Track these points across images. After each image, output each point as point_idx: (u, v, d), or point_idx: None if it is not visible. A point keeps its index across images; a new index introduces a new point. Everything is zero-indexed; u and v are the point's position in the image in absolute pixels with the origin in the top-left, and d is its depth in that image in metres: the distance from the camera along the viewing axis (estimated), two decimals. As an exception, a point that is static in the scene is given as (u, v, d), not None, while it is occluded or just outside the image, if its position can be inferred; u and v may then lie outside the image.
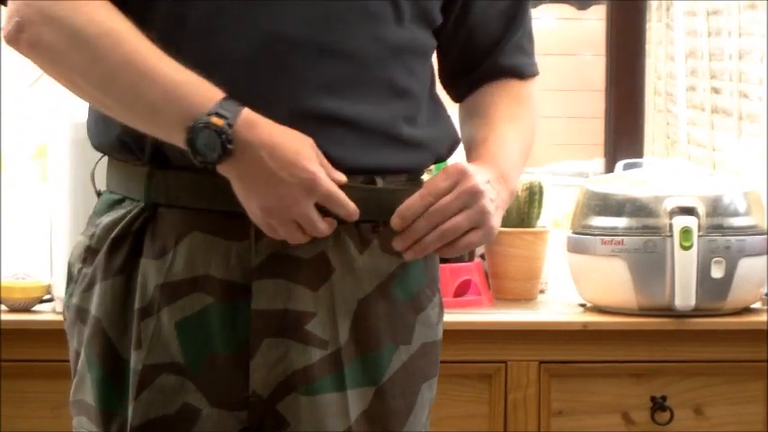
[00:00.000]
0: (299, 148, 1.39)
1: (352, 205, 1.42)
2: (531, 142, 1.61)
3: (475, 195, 1.44)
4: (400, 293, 1.51)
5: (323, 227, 1.41)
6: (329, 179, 1.40)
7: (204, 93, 1.37)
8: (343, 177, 1.42)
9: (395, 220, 1.45)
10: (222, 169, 1.39)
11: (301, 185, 1.38)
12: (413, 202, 1.44)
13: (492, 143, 1.55)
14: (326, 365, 1.46)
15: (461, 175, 1.45)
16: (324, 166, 1.40)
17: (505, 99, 1.61)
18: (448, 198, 1.44)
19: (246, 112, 1.38)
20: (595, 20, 3.37)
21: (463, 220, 1.44)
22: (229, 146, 1.36)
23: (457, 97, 1.66)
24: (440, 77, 1.66)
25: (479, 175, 1.45)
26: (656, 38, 3.26)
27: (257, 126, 1.38)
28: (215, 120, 1.36)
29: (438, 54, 1.63)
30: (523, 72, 1.63)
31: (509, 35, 1.62)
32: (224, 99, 1.37)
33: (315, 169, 1.38)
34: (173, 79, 1.37)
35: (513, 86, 1.62)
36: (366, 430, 1.48)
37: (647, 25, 3.24)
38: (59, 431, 2.33)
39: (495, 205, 1.46)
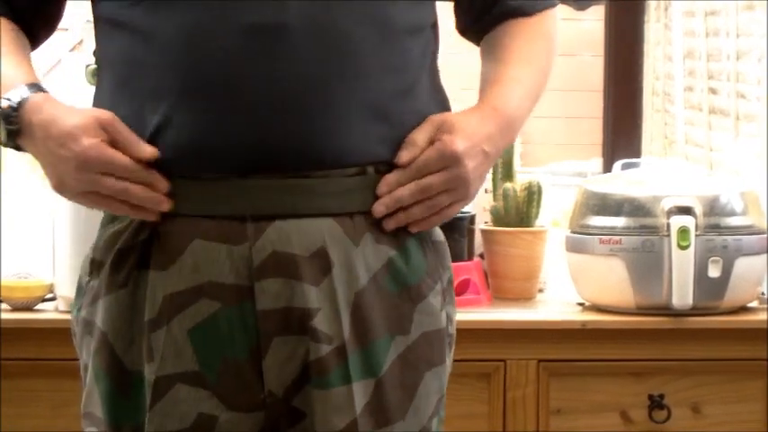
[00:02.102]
0: (78, 122, 1.44)
1: (143, 150, 1.45)
2: (544, 80, 1.65)
3: (464, 182, 1.51)
4: (392, 284, 1.52)
5: (136, 190, 1.45)
6: (107, 148, 1.44)
7: (8, 82, 1.47)
8: (150, 150, 1.45)
9: (381, 188, 1.49)
10: (27, 151, 1.49)
11: (76, 159, 1.43)
12: (401, 175, 1.49)
13: (500, 86, 1.59)
14: (334, 359, 1.48)
15: (454, 160, 1.50)
16: (121, 140, 1.44)
17: (517, 39, 1.64)
18: (436, 179, 1.50)
19: (38, 97, 1.47)
20: (594, 20, 3.38)
21: (446, 199, 1.52)
22: (10, 126, 1.45)
23: (475, 41, 1.70)
24: (457, 28, 1.70)
25: (471, 157, 1.51)
26: (655, 38, 3.26)
27: (43, 109, 1.46)
28: (2, 104, 1.46)
29: (454, 8, 1.67)
30: (530, 10, 1.65)
31: None
32: (27, 85, 1.47)
33: (87, 142, 1.43)
34: None
35: (524, 24, 1.65)
36: (369, 422, 1.49)
37: (646, 26, 3.25)
38: (60, 430, 2.33)
39: (478, 173, 1.53)
